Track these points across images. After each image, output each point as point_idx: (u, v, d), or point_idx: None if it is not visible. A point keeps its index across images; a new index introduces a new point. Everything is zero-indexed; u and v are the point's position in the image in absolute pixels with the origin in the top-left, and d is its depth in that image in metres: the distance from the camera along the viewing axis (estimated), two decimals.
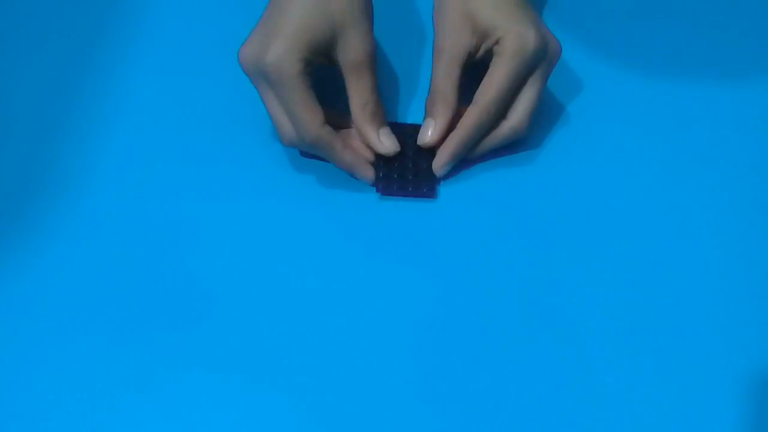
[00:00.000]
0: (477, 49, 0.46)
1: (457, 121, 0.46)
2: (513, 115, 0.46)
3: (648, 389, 0.41)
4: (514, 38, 0.43)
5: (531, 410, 0.40)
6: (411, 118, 0.50)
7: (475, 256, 0.45)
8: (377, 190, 0.47)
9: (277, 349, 0.41)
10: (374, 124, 0.45)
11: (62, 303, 0.42)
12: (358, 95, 0.45)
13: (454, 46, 0.45)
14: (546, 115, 0.49)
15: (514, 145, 0.47)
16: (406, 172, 0.47)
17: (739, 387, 0.41)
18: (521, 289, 0.44)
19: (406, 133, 0.47)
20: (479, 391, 0.40)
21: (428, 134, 0.46)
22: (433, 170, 0.46)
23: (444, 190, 0.47)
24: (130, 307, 0.42)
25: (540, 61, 0.45)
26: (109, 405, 0.40)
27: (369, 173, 0.46)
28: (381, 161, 0.47)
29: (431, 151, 0.47)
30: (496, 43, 0.44)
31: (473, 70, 0.46)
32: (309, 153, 0.47)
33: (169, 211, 0.46)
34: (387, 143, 0.46)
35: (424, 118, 0.47)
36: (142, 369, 0.41)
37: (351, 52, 0.43)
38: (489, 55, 0.45)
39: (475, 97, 0.45)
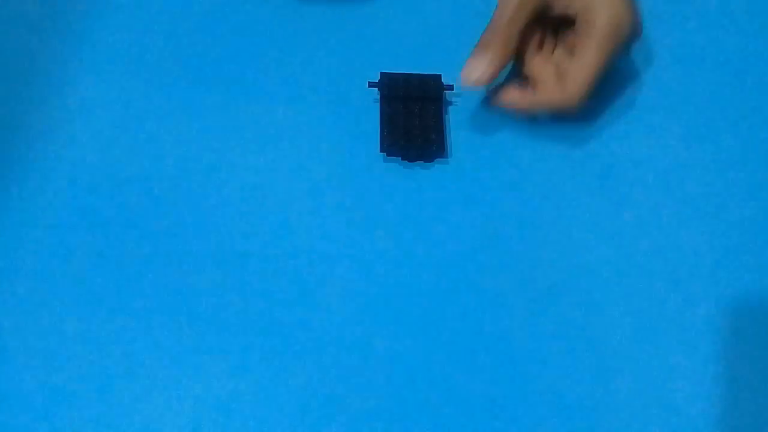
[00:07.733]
0: (551, 7, 0.40)
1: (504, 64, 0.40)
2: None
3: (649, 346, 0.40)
4: (609, 19, 0.38)
5: (537, 377, 0.39)
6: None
7: (485, 216, 0.42)
8: (381, 150, 0.43)
9: (269, 309, 0.40)
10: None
11: (43, 253, 0.41)
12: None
13: None
14: None
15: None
16: (413, 130, 0.43)
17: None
18: (530, 250, 0.42)
19: (411, 84, 0.44)
20: (484, 355, 0.39)
21: (479, 68, 0.39)
22: (462, 76, 0.40)
23: (455, 148, 0.44)
24: (113, 259, 0.41)
25: (630, 43, 0.41)
26: (95, 367, 0.38)
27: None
28: (384, 116, 0.43)
29: (438, 106, 0.43)
30: (585, 11, 0.39)
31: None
32: None
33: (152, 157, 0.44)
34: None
35: (475, 51, 0.40)
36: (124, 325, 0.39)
37: None
38: (568, 18, 0.40)
39: (562, 72, 0.39)
